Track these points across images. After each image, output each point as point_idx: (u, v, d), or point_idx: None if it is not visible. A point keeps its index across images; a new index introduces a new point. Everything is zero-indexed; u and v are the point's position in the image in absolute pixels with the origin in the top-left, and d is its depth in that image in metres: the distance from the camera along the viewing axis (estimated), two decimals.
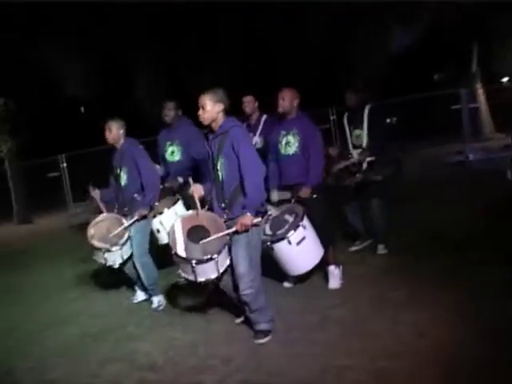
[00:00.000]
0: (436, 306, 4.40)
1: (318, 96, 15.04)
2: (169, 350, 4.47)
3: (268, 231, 5.06)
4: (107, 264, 5.60)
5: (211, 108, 4.29)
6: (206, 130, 4.65)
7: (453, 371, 3.38)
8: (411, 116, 15.42)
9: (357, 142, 6.23)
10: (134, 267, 5.69)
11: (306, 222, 4.96)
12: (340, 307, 4.77)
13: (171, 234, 4.38)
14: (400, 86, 17.72)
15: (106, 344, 4.86)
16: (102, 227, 5.69)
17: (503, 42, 15.71)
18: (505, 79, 22.28)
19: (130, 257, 5.65)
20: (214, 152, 4.37)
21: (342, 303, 4.86)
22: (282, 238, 4.85)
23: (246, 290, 4.26)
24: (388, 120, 16.04)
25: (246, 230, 4.19)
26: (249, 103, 6.65)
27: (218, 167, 4.34)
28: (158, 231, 5.94)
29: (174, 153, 6.47)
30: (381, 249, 6.24)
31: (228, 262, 4.35)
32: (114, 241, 5.54)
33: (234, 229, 4.20)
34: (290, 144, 5.39)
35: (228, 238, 4.27)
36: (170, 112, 6.44)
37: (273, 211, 5.17)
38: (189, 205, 6.05)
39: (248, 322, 4.55)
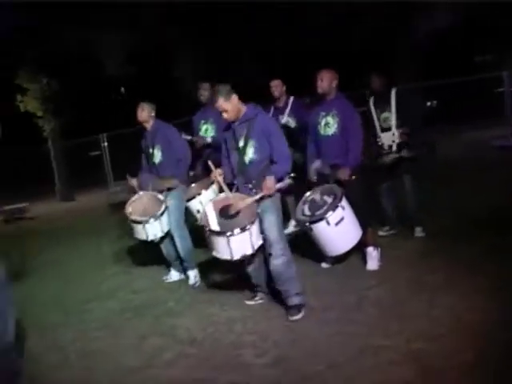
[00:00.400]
0: (473, 291, 4.36)
1: (357, 78, 14.86)
2: (207, 326, 4.56)
3: (307, 212, 5.09)
4: (149, 238, 5.75)
5: (231, 106, 4.50)
6: None
7: (488, 356, 3.37)
8: (453, 99, 15.12)
9: (385, 125, 6.18)
10: (172, 243, 5.87)
11: (344, 202, 4.96)
12: (377, 288, 4.79)
13: (203, 215, 4.51)
14: (442, 67, 17.34)
15: (146, 319, 4.99)
16: (140, 204, 5.88)
17: None
18: None
19: (169, 232, 5.82)
20: (239, 136, 4.58)
21: (379, 284, 4.87)
22: (321, 219, 4.87)
23: (279, 257, 4.44)
24: (428, 103, 15.80)
25: (271, 196, 4.43)
26: (277, 87, 6.92)
27: (247, 150, 4.54)
28: (198, 211, 6.02)
29: (207, 130, 6.63)
30: (418, 231, 6.21)
31: (261, 241, 4.44)
32: (151, 213, 5.72)
33: (260, 194, 4.39)
34: (329, 125, 5.39)
35: (257, 209, 4.41)
36: (204, 92, 6.61)
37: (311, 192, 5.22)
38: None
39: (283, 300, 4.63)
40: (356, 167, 5.26)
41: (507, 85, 14.01)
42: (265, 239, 4.47)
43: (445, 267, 5.03)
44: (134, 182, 6.09)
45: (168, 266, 6.20)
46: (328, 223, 4.85)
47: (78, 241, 9.65)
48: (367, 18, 13.98)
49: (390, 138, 6.06)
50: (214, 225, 4.40)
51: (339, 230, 4.88)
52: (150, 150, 5.95)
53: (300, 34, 15.66)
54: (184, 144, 5.99)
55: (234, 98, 4.51)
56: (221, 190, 5.10)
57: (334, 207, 4.89)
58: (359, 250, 5.41)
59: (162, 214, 5.72)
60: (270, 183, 4.38)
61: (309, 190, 5.33)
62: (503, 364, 3.26)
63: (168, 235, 5.87)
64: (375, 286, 4.86)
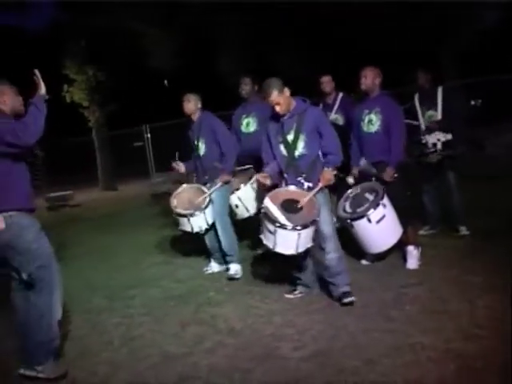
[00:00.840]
0: None
1: (401, 75, 14.70)
2: (247, 317, 4.65)
3: (348, 209, 5.13)
4: (194, 230, 5.85)
5: (283, 99, 4.57)
6: None
7: None
8: (501, 97, 14.77)
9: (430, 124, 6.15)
10: (215, 236, 5.95)
11: (386, 200, 4.98)
12: (416, 287, 4.80)
13: (267, 210, 4.49)
14: (489, 64, 16.96)
15: (188, 307, 5.11)
16: (184, 197, 5.99)
17: None
18: None
19: (214, 224, 5.91)
20: (289, 130, 4.64)
21: (418, 283, 4.88)
22: (362, 216, 4.91)
23: (334, 252, 4.60)
24: (472, 102, 15.48)
25: (324, 190, 4.58)
26: (327, 83, 6.83)
27: (297, 144, 4.61)
28: (237, 206, 6.10)
29: (249, 124, 6.58)
30: (463, 230, 6.18)
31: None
32: (196, 206, 5.81)
33: (319, 186, 4.50)
34: (372, 122, 5.40)
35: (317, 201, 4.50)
36: (246, 86, 6.59)
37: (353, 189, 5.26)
38: None
39: (323, 294, 4.71)
40: (398, 165, 5.27)
41: None
42: (318, 234, 4.55)
43: (486, 267, 5.00)
44: (181, 166, 6.14)
45: (209, 256, 6.31)
46: (369, 221, 4.89)
47: (121, 229, 9.89)
48: (412, 17, 13.81)
49: (434, 137, 6.02)
50: (283, 219, 4.43)
51: (380, 227, 4.91)
52: (195, 142, 6.01)
53: (349, 34, 15.61)
54: (229, 137, 6.04)
55: (287, 91, 4.58)
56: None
57: (375, 205, 4.92)
58: (399, 248, 5.42)
59: (206, 206, 5.81)
60: (329, 175, 4.50)
61: (350, 187, 5.37)
62: None
63: (212, 227, 5.95)
64: (414, 284, 4.87)
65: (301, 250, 4.45)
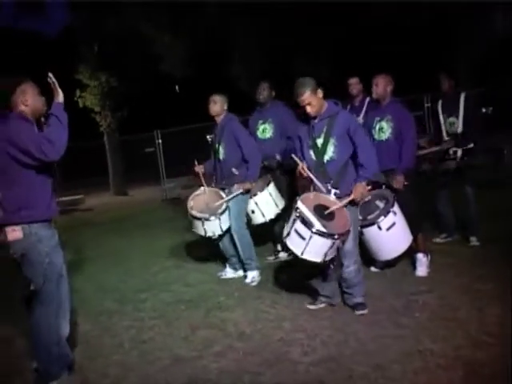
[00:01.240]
0: None
1: (413, 82, 14.71)
2: (257, 322, 4.68)
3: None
4: (207, 235, 5.80)
5: (316, 100, 4.44)
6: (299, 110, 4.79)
7: None
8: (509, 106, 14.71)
9: (451, 130, 6.12)
10: (231, 241, 5.91)
11: (396, 208, 5.00)
12: (426, 294, 4.81)
13: (302, 214, 4.28)
14: (504, 72, 16.91)
15: (198, 311, 5.15)
16: (201, 200, 5.94)
17: None
18: None
19: (229, 229, 5.84)
20: (318, 134, 4.52)
21: (428, 290, 4.89)
22: (372, 223, 4.92)
23: (351, 266, 4.56)
24: (483, 110, 15.43)
25: (353, 206, 4.49)
26: (355, 85, 6.70)
27: (327, 148, 4.49)
28: (253, 212, 6.09)
29: (265, 130, 6.53)
30: (474, 241, 6.17)
31: None
32: (212, 211, 5.76)
33: (349, 198, 4.39)
34: (383, 130, 5.43)
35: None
36: (264, 91, 6.52)
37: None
38: (279, 187, 6.23)
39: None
40: (408, 172, 5.29)
41: None
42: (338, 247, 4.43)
43: (496, 276, 5.00)
44: (199, 168, 6.08)
45: (220, 261, 6.32)
46: (379, 228, 4.90)
47: (133, 233, 9.97)
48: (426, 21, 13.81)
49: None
50: (318, 225, 4.25)
51: (390, 235, 4.93)
52: (216, 146, 5.90)
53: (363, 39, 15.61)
54: (252, 144, 5.89)
55: (320, 92, 4.46)
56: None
57: (385, 212, 4.94)
58: (409, 255, 5.44)
59: (222, 212, 5.74)
60: (361, 188, 4.39)
61: None
62: None
63: (227, 233, 5.90)
64: (424, 291, 4.88)
65: (328, 258, 4.31)
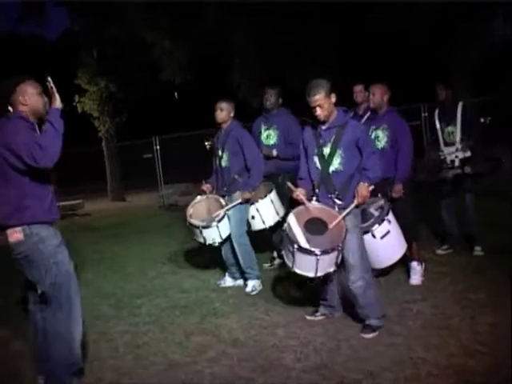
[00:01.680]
0: None
1: (411, 92, 14.78)
2: (250, 329, 4.70)
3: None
4: (207, 242, 5.73)
5: (328, 104, 4.26)
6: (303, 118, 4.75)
7: None
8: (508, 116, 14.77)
9: (449, 140, 6.15)
10: (232, 251, 5.84)
11: (390, 216, 5.02)
12: (420, 302, 4.84)
13: (288, 229, 4.27)
14: (495, 83, 17.01)
15: (193, 317, 5.17)
16: (202, 207, 5.91)
17: None
18: None
19: (229, 237, 5.78)
20: (325, 143, 4.36)
21: (422, 299, 4.93)
22: (367, 232, 4.93)
23: (357, 282, 4.29)
24: (482, 119, 15.51)
25: (355, 212, 4.32)
26: (360, 92, 6.63)
27: (333, 159, 4.33)
28: (253, 217, 6.05)
29: (269, 136, 6.48)
30: (478, 250, 6.16)
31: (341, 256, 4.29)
32: (210, 219, 5.69)
33: (354, 204, 4.25)
34: (378, 138, 5.47)
35: (345, 224, 4.23)
36: (271, 98, 6.45)
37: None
38: (281, 194, 6.22)
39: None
40: (404, 180, 5.33)
41: None
42: (343, 259, 4.31)
43: (489, 285, 5.04)
44: (207, 187, 5.97)
45: (220, 267, 6.34)
46: (374, 236, 4.92)
47: (130, 239, 10.01)
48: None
49: (452, 153, 6.04)
50: (303, 241, 4.20)
51: (384, 243, 4.95)
52: (220, 153, 5.82)
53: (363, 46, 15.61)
54: (256, 151, 5.81)
55: (333, 96, 4.27)
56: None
57: (380, 220, 4.97)
58: (403, 263, 5.47)
59: (220, 220, 5.68)
60: (365, 190, 4.22)
61: None
62: None
63: (227, 241, 5.82)
64: (418, 299, 4.91)
65: (320, 274, 4.19)
